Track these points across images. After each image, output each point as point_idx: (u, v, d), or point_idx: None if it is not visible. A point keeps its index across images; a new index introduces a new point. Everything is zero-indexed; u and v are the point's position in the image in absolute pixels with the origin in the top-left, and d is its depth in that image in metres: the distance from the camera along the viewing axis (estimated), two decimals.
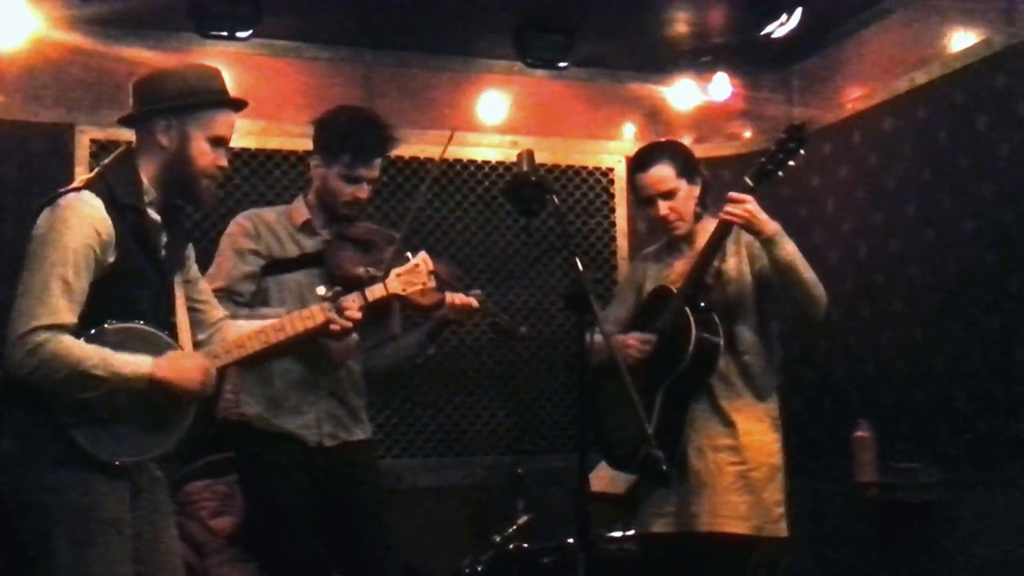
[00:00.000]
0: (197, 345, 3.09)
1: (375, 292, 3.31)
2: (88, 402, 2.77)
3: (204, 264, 3.46)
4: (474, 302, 3.76)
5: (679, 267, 3.78)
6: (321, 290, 3.24)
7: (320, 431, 3.72)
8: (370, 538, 3.76)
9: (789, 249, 3.50)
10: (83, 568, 2.77)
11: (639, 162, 3.80)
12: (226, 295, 3.57)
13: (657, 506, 3.66)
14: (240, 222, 3.80)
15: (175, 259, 3.08)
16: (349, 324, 3.23)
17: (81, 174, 4.66)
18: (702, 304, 3.62)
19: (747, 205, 3.46)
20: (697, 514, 3.55)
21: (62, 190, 2.89)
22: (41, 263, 2.78)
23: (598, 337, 3.33)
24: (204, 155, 3.00)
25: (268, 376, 3.68)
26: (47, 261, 2.78)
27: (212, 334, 3.17)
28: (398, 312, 3.97)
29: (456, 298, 3.71)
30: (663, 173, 3.71)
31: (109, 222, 2.85)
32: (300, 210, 3.83)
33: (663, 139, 4.03)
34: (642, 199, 3.81)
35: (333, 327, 3.21)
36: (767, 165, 3.54)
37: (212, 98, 3.03)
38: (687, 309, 3.58)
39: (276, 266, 3.74)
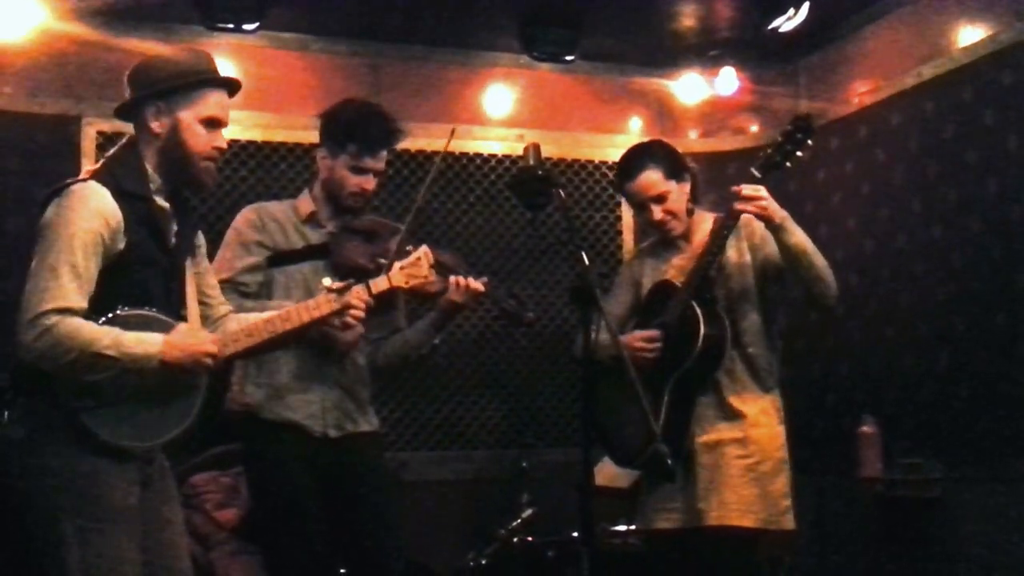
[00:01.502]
0: None
1: (379, 285, 3.32)
2: (97, 387, 2.78)
3: (210, 257, 3.46)
4: (479, 285, 3.76)
5: (676, 263, 3.75)
6: (327, 281, 3.25)
7: (325, 421, 3.73)
8: (374, 531, 3.76)
9: (799, 235, 3.49)
10: (91, 556, 2.77)
11: (625, 170, 3.76)
12: (231, 286, 3.58)
13: (662, 502, 3.63)
14: (246, 215, 3.82)
15: (185, 246, 3.09)
16: (354, 318, 3.24)
17: (87, 166, 4.66)
18: (707, 297, 3.60)
19: (762, 202, 3.42)
20: (704, 509, 3.53)
21: (68, 181, 2.90)
22: (49, 250, 2.79)
23: (603, 334, 3.31)
24: (197, 137, 3.00)
25: (274, 366, 3.69)
26: (55, 248, 2.79)
27: (216, 328, 3.18)
28: (403, 306, 3.98)
29: (461, 280, 3.71)
30: (652, 178, 3.68)
31: (117, 210, 2.86)
32: (306, 203, 3.84)
33: (645, 141, 3.99)
34: (635, 205, 3.79)
35: (339, 319, 3.23)
36: (774, 156, 3.51)
37: (198, 78, 3.01)
38: (693, 303, 3.55)
39: (282, 258, 3.75)
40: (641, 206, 3.74)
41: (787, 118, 3.62)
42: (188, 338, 2.91)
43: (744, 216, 3.53)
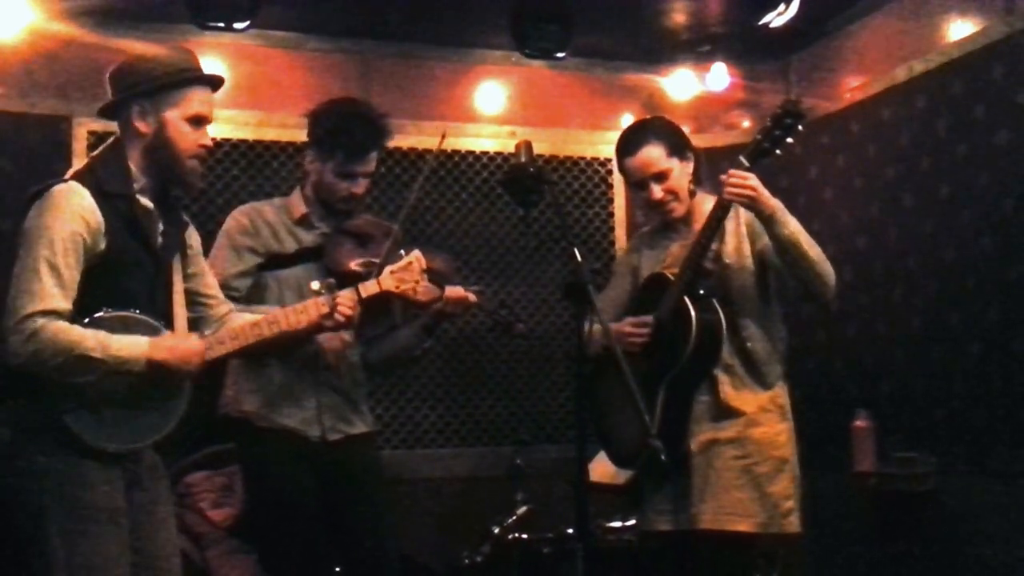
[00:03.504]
0: None
1: (369, 289, 3.30)
2: (83, 389, 2.79)
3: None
4: (470, 296, 3.75)
5: (676, 250, 3.62)
6: (315, 285, 3.25)
7: (322, 425, 3.72)
8: (371, 530, 3.76)
9: (792, 226, 3.35)
10: (77, 559, 2.78)
11: (626, 145, 3.62)
12: (221, 291, 3.57)
13: (660, 504, 3.55)
14: (237, 218, 3.79)
15: (172, 246, 3.09)
16: (343, 320, 3.24)
17: (77, 166, 4.66)
18: (701, 291, 3.48)
19: (750, 181, 3.30)
20: (699, 513, 3.42)
21: (50, 182, 2.90)
22: (31, 253, 2.81)
23: (596, 328, 3.30)
24: (183, 136, 3.00)
25: (268, 372, 3.69)
26: (36, 251, 2.80)
27: (219, 328, 3.17)
28: (400, 303, 3.97)
29: (453, 291, 3.71)
30: (653, 155, 3.55)
31: (97, 211, 2.86)
32: (297, 204, 3.82)
33: (646, 118, 3.87)
34: (633, 183, 3.65)
35: (327, 322, 3.22)
36: (763, 143, 3.36)
37: (182, 76, 3.02)
38: (686, 297, 3.44)
39: (274, 261, 3.74)
40: (640, 185, 3.60)
41: None
42: (175, 340, 2.92)
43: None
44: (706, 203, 3.55)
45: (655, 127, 3.67)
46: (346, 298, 3.24)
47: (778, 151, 3.39)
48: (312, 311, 3.17)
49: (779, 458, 3.50)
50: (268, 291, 3.71)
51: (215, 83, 3.12)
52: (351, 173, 3.72)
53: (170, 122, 2.99)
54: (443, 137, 3.85)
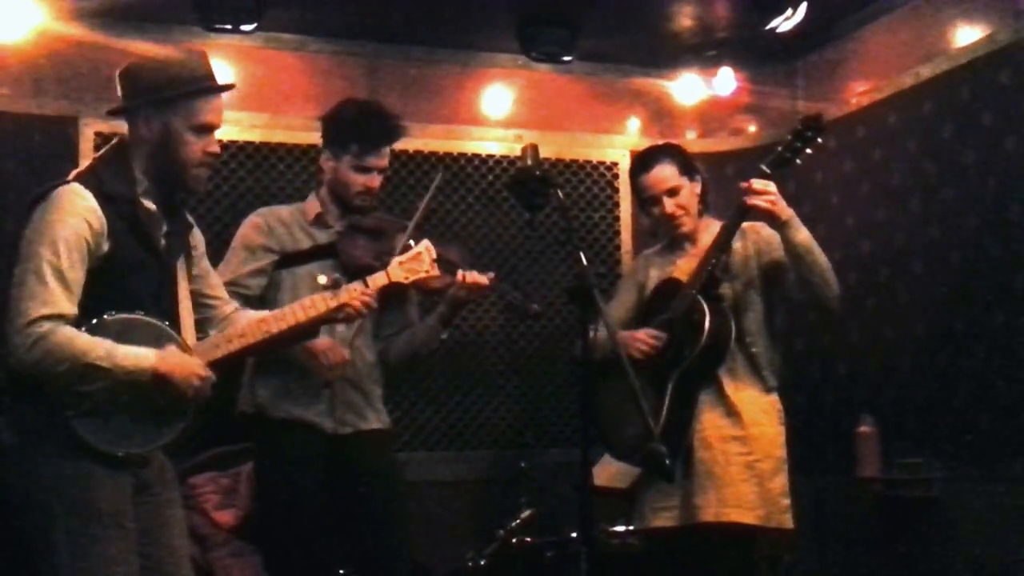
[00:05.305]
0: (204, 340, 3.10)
1: (377, 280, 3.33)
2: (90, 394, 2.77)
3: (214, 260, 3.45)
4: (484, 279, 3.80)
5: (682, 264, 3.80)
6: (322, 279, 3.29)
7: (335, 417, 3.75)
8: (379, 530, 3.78)
9: (805, 233, 3.56)
10: (83, 562, 2.77)
11: (641, 164, 3.86)
12: (233, 288, 3.60)
13: (660, 500, 3.66)
14: (252, 220, 3.89)
15: (176, 248, 3.07)
16: (353, 312, 3.26)
17: (82, 167, 4.67)
18: (712, 294, 3.67)
19: (771, 196, 3.51)
20: (703, 505, 3.56)
21: (52, 184, 2.89)
22: (34, 256, 2.78)
23: (602, 332, 3.34)
24: (188, 144, 2.97)
25: (282, 363, 3.71)
26: (40, 253, 2.78)
27: (224, 327, 3.17)
28: (415, 300, 4.02)
29: (467, 275, 3.75)
30: (666, 172, 3.78)
31: (100, 213, 2.84)
32: (312, 205, 3.91)
33: (660, 142, 4.10)
34: (646, 200, 3.85)
35: (338, 315, 3.23)
36: (785, 153, 3.59)
37: (190, 87, 2.98)
38: (700, 298, 3.61)
39: (289, 259, 3.79)
40: (654, 200, 3.81)
41: (785, 118, 3.67)
42: (181, 356, 2.91)
43: (748, 223, 3.63)
44: (711, 226, 3.78)
45: (667, 149, 3.91)
46: (354, 290, 3.26)
47: (798, 161, 3.61)
48: (320, 305, 3.18)
49: (778, 457, 3.68)
50: (283, 288, 3.77)
51: (224, 90, 3.10)
52: (366, 167, 3.80)
53: (175, 131, 2.96)
54: (440, 175, 4.02)
